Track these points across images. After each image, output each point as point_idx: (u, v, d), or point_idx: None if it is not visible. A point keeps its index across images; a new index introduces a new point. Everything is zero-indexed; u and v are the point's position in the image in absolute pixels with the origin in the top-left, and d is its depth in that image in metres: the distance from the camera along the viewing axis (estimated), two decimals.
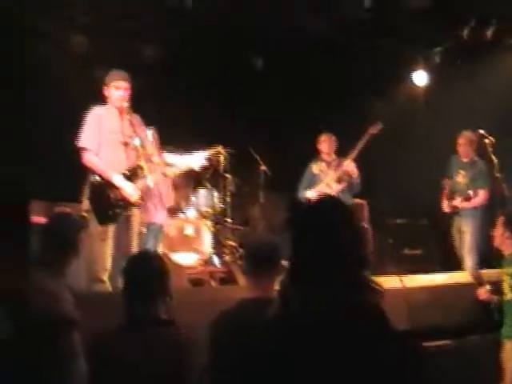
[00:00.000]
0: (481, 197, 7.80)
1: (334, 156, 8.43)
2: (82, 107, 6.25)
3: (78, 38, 8.49)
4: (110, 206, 5.97)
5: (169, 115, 8.34)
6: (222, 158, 8.53)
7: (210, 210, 8.76)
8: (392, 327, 2.09)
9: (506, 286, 5.63)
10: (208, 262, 8.17)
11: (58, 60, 8.31)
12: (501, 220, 5.73)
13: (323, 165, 8.41)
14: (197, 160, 6.69)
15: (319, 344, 2.03)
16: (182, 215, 8.40)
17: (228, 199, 9.01)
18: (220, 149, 7.15)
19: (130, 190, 5.97)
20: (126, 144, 6.10)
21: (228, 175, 9.04)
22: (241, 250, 8.75)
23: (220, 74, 9.64)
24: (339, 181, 8.20)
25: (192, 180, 8.81)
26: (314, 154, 8.54)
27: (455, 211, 8.00)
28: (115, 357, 3.08)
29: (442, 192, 8.16)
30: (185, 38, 8.86)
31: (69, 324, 3.59)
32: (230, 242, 8.82)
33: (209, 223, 8.46)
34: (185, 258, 7.86)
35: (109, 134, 6.07)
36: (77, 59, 8.44)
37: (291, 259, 2.25)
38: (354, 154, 8.16)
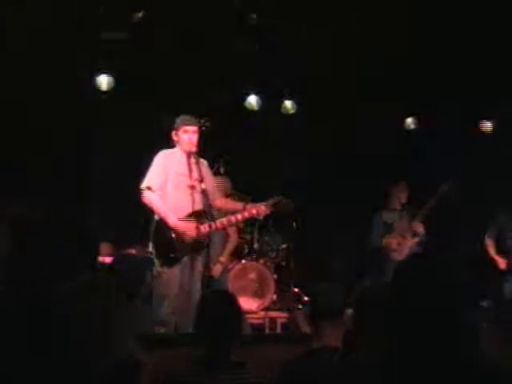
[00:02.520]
0: None
1: (401, 205, 8.31)
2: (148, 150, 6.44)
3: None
4: (171, 247, 6.03)
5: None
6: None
7: (273, 255, 8.75)
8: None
9: None
10: (270, 307, 8.13)
11: None
12: None
13: (395, 214, 8.28)
14: (261, 209, 6.74)
15: None
16: (244, 260, 8.39)
17: (291, 243, 8.96)
18: (281, 198, 7.15)
19: (185, 228, 6.02)
20: (192, 187, 6.17)
21: (292, 219, 9.02)
22: (303, 296, 8.70)
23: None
24: (414, 233, 8.08)
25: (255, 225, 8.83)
26: (381, 202, 8.46)
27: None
28: None
29: (487, 247, 8.03)
30: None
31: (136, 367, 3.60)
32: (293, 288, 8.76)
33: (272, 267, 8.45)
34: (247, 303, 7.83)
35: (175, 176, 6.18)
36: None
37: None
38: (427, 210, 8.03)
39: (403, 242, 7.99)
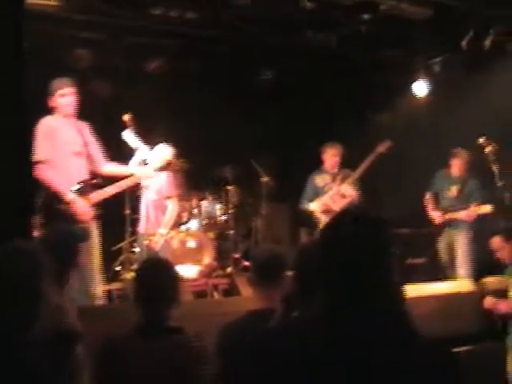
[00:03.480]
0: (473, 213, 7.88)
1: (337, 168, 8.38)
2: None
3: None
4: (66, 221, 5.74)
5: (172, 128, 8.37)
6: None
7: (212, 222, 8.78)
8: (418, 333, 2.06)
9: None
10: (211, 274, 8.17)
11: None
12: (499, 237, 5.73)
13: (327, 177, 8.35)
14: (166, 151, 6.81)
15: (340, 357, 2.00)
16: (184, 227, 8.39)
17: (230, 211, 9.03)
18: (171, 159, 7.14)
19: (83, 209, 5.86)
20: (78, 154, 6.04)
21: (230, 187, 9.08)
22: (244, 262, 8.78)
23: (228, 86, 9.73)
24: (344, 196, 8.18)
25: (194, 192, 8.83)
26: (317, 165, 8.51)
27: (447, 224, 8.12)
28: (126, 362, 3.12)
29: (427, 204, 8.34)
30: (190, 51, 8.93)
31: (75, 336, 3.59)
32: (233, 254, 8.83)
33: (211, 235, 8.48)
34: (188, 271, 7.86)
35: (61, 145, 5.96)
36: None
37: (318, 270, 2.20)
38: (359, 172, 8.17)
39: (332, 204, 8.11)
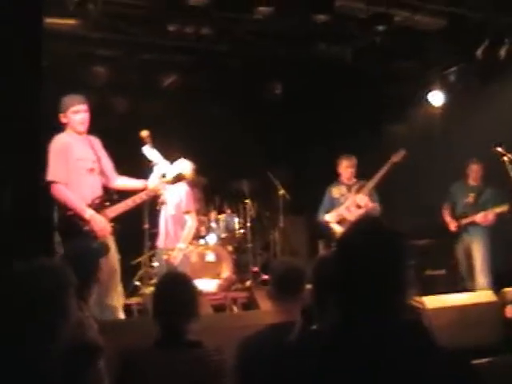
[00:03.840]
0: (489, 214, 7.92)
1: (354, 179, 8.39)
2: None
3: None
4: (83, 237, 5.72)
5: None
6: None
7: (230, 236, 8.81)
8: (437, 343, 2.07)
9: None
10: (229, 287, 8.18)
11: None
12: None
13: (343, 188, 8.37)
14: (185, 166, 6.86)
15: (355, 366, 2.00)
16: (202, 241, 8.41)
17: (248, 224, 9.05)
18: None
19: (101, 225, 5.82)
20: (91, 170, 6.01)
21: (247, 200, 9.11)
22: (262, 275, 8.78)
23: (241, 100, 9.79)
24: (359, 206, 8.18)
25: (212, 206, 8.87)
26: (334, 178, 8.52)
27: (464, 230, 8.17)
28: (146, 376, 3.14)
29: (444, 214, 8.41)
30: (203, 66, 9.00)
31: (95, 351, 3.60)
32: (252, 267, 8.84)
33: (230, 249, 8.50)
34: (206, 285, 7.88)
35: (75, 162, 5.90)
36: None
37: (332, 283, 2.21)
38: (374, 182, 8.17)
39: (348, 215, 8.12)
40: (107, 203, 5.99)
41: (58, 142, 5.89)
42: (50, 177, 5.72)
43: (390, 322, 2.02)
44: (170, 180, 6.45)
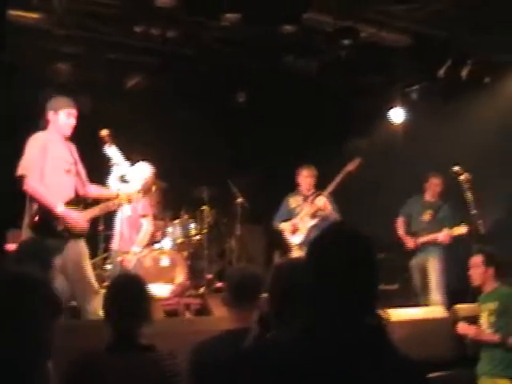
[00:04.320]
0: (449, 235, 7.97)
1: (312, 190, 8.41)
2: None
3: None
4: (57, 237, 5.70)
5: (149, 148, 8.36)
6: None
7: (186, 242, 8.75)
8: (400, 353, 2.07)
9: (484, 322, 5.66)
10: (183, 293, 8.12)
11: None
12: (479, 258, 5.76)
13: (300, 199, 8.41)
14: (145, 169, 7.03)
15: (318, 376, 1.98)
16: (157, 246, 8.34)
17: (205, 231, 9.00)
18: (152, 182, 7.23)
19: (77, 218, 5.81)
20: (68, 171, 5.98)
21: (205, 207, 9.07)
22: (217, 282, 8.74)
23: (206, 105, 9.77)
24: (313, 216, 8.21)
25: (169, 211, 8.81)
26: (292, 187, 8.53)
27: (421, 248, 8.20)
28: (97, 380, 3.08)
29: (398, 228, 8.44)
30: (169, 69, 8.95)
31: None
32: (207, 274, 8.79)
33: (185, 254, 8.44)
34: (160, 289, 7.80)
35: (53, 160, 5.87)
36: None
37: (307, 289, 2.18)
38: (330, 188, 8.21)
39: (301, 225, 8.16)
40: (81, 206, 5.95)
41: (39, 139, 5.86)
42: (22, 171, 5.67)
43: (356, 331, 2.01)
44: (140, 189, 6.42)
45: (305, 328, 2.06)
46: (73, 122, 6.03)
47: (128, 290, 3.35)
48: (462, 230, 7.77)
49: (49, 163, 5.82)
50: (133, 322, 3.24)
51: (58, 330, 4.17)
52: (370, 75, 9.51)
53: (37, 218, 5.71)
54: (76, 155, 6.14)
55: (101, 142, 6.25)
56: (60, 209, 5.72)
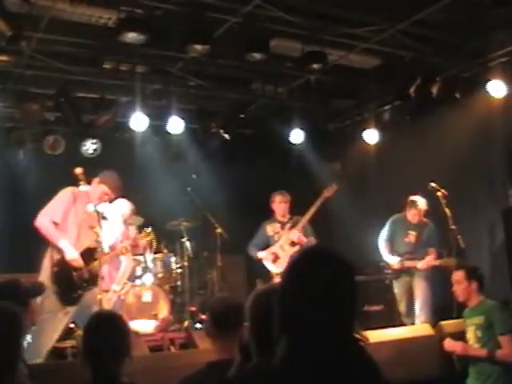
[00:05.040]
0: (434, 256, 7.96)
1: (288, 216, 8.39)
2: None
3: None
4: (75, 287, 6.04)
5: None
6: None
7: (167, 276, 8.68)
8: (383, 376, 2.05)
9: (470, 337, 5.65)
10: (167, 327, 8.05)
11: None
12: (461, 274, 5.74)
13: (277, 226, 8.39)
14: (124, 206, 7.27)
15: None
16: (139, 281, 8.27)
17: (186, 263, 8.95)
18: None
19: (74, 255, 6.02)
20: (92, 228, 6.20)
21: (185, 239, 9.03)
22: (200, 315, 8.67)
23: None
24: (293, 244, 8.18)
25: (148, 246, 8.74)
26: (269, 215, 8.52)
27: (407, 270, 8.13)
28: None
29: (382, 250, 8.34)
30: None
31: None
32: (189, 307, 8.72)
33: (167, 288, 8.37)
34: (143, 325, 7.73)
35: (80, 214, 6.20)
36: None
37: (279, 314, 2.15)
38: (307, 217, 8.20)
39: (282, 253, 8.13)
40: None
41: (69, 192, 6.25)
42: (47, 215, 6.05)
43: (340, 354, 1.99)
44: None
45: (282, 356, 2.03)
46: (104, 201, 6.38)
47: (104, 328, 3.29)
48: (449, 262, 7.70)
49: (76, 215, 6.20)
50: (110, 360, 3.18)
51: (38, 372, 4.13)
52: (341, 98, 9.57)
53: (56, 269, 5.99)
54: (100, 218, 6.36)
55: (75, 181, 6.26)
56: (63, 243, 5.98)
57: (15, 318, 2.96)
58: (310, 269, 2.11)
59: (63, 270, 5.99)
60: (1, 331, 2.83)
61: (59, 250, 6.00)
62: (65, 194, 6.20)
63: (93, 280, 6.12)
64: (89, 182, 6.34)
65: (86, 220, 6.22)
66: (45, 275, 6.03)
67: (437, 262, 7.89)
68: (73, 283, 6.02)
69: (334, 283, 2.07)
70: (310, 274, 2.09)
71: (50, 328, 5.88)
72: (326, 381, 1.94)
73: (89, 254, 6.15)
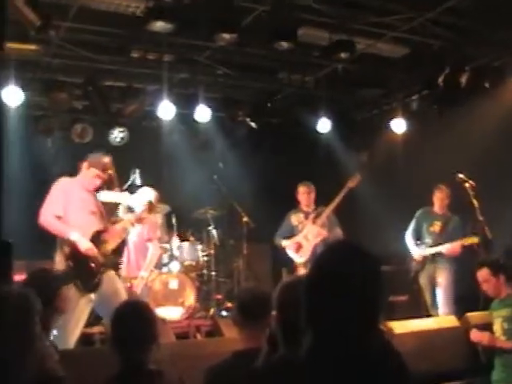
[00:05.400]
0: (458, 246, 7.88)
1: (312, 206, 8.40)
2: None
3: None
4: (93, 274, 6.01)
5: None
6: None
7: (193, 264, 8.73)
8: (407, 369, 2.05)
9: (497, 329, 5.61)
10: (193, 315, 8.10)
11: None
12: (485, 271, 5.69)
13: (301, 216, 8.40)
14: (149, 194, 7.17)
15: None
16: (165, 269, 8.33)
17: (212, 252, 8.99)
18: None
19: (87, 245, 5.99)
20: (93, 213, 6.22)
21: (211, 227, 9.07)
22: (226, 303, 8.72)
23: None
24: (316, 234, 8.19)
25: (175, 233, 8.80)
26: (295, 204, 8.53)
27: (430, 259, 8.10)
28: None
29: (408, 240, 8.33)
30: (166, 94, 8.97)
31: (55, 381, 3.51)
32: (215, 295, 8.77)
33: (193, 276, 8.42)
34: (170, 312, 7.79)
35: (76, 202, 6.13)
36: None
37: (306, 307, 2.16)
38: (331, 207, 8.20)
39: (306, 243, 8.14)
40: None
41: (60, 183, 6.16)
42: (47, 209, 5.99)
43: (364, 348, 1.99)
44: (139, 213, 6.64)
45: (308, 349, 2.04)
46: (98, 183, 6.32)
47: (132, 315, 3.32)
48: (473, 240, 7.67)
49: (73, 204, 6.10)
50: (138, 347, 3.21)
51: (68, 357, 4.18)
52: (369, 87, 9.52)
53: (70, 262, 5.96)
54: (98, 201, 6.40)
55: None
56: (73, 236, 5.93)
57: (26, 299, 2.99)
58: (334, 264, 2.12)
59: (78, 261, 5.96)
60: (12, 314, 2.85)
61: (68, 243, 5.97)
62: (57, 186, 6.17)
63: (108, 261, 6.14)
64: (78, 169, 6.36)
65: (83, 207, 6.17)
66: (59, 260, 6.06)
67: (461, 242, 7.82)
68: (90, 271, 6.00)
69: (359, 278, 2.07)
70: (334, 269, 2.10)
71: (74, 318, 5.91)
72: (350, 374, 1.95)
73: (97, 238, 6.13)
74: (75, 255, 5.94)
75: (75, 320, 5.91)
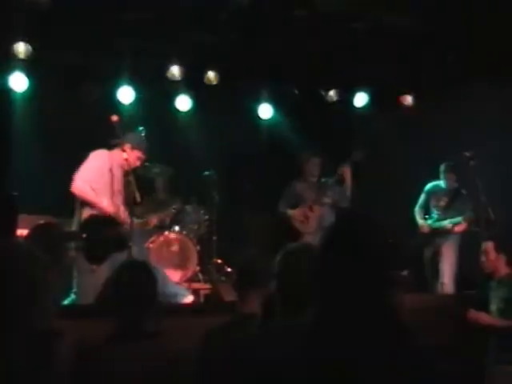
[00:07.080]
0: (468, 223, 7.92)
1: (317, 177, 8.42)
2: None
3: None
4: (100, 247, 6.18)
5: None
6: None
7: (195, 227, 8.73)
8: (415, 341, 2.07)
9: (494, 309, 5.64)
10: (193, 278, 8.13)
11: None
12: (490, 245, 5.71)
13: (306, 185, 8.43)
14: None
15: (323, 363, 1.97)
16: (167, 232, 8.33)
17: (214, 216, 8.99)
18: None
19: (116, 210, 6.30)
20: (119, 192, 6.53)
21: (214, 192, 9.05)
22: (226, 268, 8.74)
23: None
24: (322, 204, 8.21)
25: (178, 196, 8.79)
26: (298, 173, 8.54)
27: (436, 233, 8.13)
28: (105, 368, 3.06)
29: (416, 215, 8.43)
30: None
31: (56, 336, 3.55)
32: (216, 259, 8.78)
33: (195, 240, 8.43)
34: (170, 274, 7.81)
35: (110, 178, 6.36)
36: None
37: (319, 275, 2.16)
38: (334, 181, 8.24)
39: (310, 213, 8.16)
40: None
41: (105, 156, 6.48)
42: (82, 176, 6.30)
43: (374, 317, 2.00)
44: None
45: (313, 317, 2.05)
46: (138, 164, 6.68)
47: (132, 275, 3.31)
48: (470, 219, 7.74)
49: (105, 178, 6.37)
50: (138, 308, 3.21)
51: (67, 312, 4.22)
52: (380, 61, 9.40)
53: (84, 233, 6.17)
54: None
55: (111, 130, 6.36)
56: (105, 203, 6.26)
57: (31, 254, 3.00)
58: (342, 235, 2.12)
59: (93, 226, 6.12)
60: (20, 267, 2.87)
61: (89, 210, 6.21)
62: (98, 157, 6.33)
63: (120, 244, 6.27)
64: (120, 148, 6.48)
65: (114, 184, 6.39)
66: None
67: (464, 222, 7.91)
68: (99, 241, 6.13)
69: (367, 248, 2.08)
70: (344, 238, 2.11)
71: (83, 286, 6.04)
72: (356, 343, 1.96)
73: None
74: (94, 223, 6.09)
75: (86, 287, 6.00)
